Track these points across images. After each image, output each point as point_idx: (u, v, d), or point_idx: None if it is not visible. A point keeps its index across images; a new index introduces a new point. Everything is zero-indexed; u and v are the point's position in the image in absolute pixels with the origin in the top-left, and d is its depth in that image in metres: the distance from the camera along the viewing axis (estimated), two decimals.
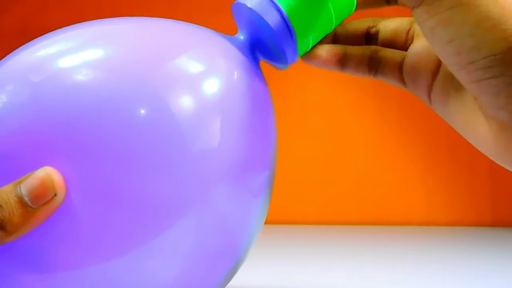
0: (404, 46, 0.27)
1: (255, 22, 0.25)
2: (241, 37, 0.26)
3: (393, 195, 0.89)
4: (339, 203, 0.90)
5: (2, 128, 0.19)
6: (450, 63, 0.22)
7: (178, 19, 0.26)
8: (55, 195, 0.19)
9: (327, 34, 0.27)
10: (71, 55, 0.21)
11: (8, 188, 0.19)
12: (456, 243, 0.65)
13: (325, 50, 0.27)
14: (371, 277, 0.42)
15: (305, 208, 0.91)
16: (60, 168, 0.19)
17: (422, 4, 0.21)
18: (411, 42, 0.26)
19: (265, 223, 0.90)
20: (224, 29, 0.90)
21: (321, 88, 0.94)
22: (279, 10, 0.24)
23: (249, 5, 0.24)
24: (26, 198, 0.19)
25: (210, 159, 0.20)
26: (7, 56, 0.22)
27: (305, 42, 0.25)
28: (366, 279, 0.41)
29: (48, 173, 0.19)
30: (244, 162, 0.22)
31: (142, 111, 0.20)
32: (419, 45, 0.26)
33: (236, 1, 0.25)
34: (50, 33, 0.23)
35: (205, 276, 0.22)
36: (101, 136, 0.19)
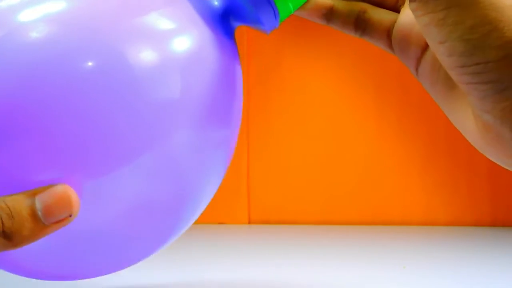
0: (394, 6, 0.26)
1: None
2: (216, 3, 0.26)
3: (393, 195, 0.90)
4: (339, 203, 0.91)
5: None
6: (441, 60, 0.21)
7: None
8: (70, 216, 0.18)
9: None
10: (29, 10, 0.20)
11: (21, 197, 0.18)
12: (455, 243, 0.65)
13: (311, 3, 0.26)
14: (371, 277, 0.42)
15: (305, 208, 0.91)
16: (20, 129, 0.19)
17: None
18: (402, 3, 0.26)
19: (265, 223, 0.90)
20: None
21: (321, 88, 0.94)
22: None
23: None
24: (40, 213, 0.18)
25: (170, 108, 0.21)
26: None
27: (286, 7, 0.25)
28: (366, 279, 0.41)
29: (66, 191, 0.18)
30: (205, 115, 0.23)
31: (97, 62, 0.20)
32: (411, 15, 0.24)
33: None
34: None
35: (161, 222, 0.23)
36: (56, 92, 0.19)
